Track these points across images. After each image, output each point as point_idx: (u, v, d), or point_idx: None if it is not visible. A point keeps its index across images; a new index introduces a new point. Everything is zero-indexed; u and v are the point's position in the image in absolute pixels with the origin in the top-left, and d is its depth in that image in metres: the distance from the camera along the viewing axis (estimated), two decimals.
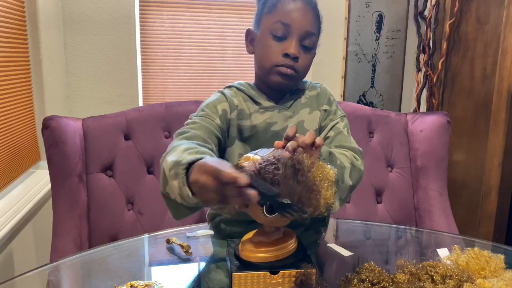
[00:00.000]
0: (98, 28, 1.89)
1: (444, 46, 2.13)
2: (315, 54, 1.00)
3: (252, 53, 1.02)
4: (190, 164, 0.69)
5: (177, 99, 2.07)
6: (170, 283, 0.74)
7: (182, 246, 0.85)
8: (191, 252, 0.84)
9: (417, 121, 1.55)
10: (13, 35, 1.44)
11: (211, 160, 0.63)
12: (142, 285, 0.70)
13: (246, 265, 0.69)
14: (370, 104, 2.28)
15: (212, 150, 0.87)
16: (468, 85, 2.02)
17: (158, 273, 0.80)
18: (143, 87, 2.05)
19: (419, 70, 2.28)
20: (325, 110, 1.03)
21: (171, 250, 0.88)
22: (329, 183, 0.67)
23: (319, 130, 1.03)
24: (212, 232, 0.97)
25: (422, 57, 2.25)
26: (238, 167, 0.62)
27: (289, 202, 0.61)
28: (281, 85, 0.96)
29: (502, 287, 0.65)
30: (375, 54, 2.24)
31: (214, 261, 0.86)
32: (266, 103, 1.00)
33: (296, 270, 0.68)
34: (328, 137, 1.00)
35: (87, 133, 1.32)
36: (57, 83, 1.80)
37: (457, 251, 0.78)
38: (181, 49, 2.06)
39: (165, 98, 2.07)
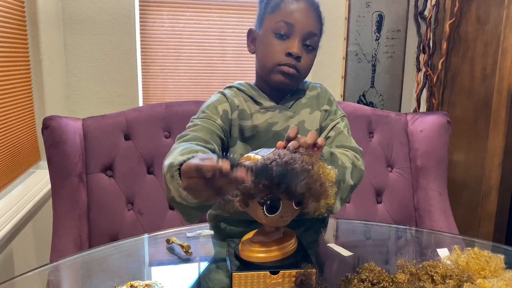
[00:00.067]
0: (98, 28, 1.89)
1: (444, 46, 2.13)
2: (316, 54, 1.00)
3: (253, 53, 1.02)
4: (182, 165, 0.70)
5: (177, 99, 2.07)
6: (170, 283, 0.74)
7: (182, 246, 0.85)
8: (191, 252, 0.84)
9: (417, 121, 1.55)
10: (13, 35, 1.44)
11: (194, 159, 0.60)
12: (142, 285, 0.70)
13: (246, 265, 0.69)
14: (370, 104, 2.28)
15: (213, 150, 0.87)
16: (468, 85, 2.02)
17: (158, 273, 0.80)
18: (143, 87, 2.05)
19: (419, 70, 2.28)
20: (326, 110, 1.03)
21: (171, 250, 0.88)
22: (330, 184, 0.67)
23: (320, 130, 1.03)
24: (212, 232, 0.97)
25: (422, 57, 2.25)
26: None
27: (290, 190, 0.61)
28: (282, 84, 0.97)
29: (502, 287, 0.65)
30: (375, 54, 2.24)
31: (214, 261, 0.86)
32: (267, 103, 1.00)
33: (296, 270, 0.68)
34: (329, 137, 1.01)
35: (87, 133, 1.32)
36: (57, 83, 1.80)
37: (457, 251, 0.78)
38: (181, 49, 2.06)
39: (165, 98, 2.07)
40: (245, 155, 0.73)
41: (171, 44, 2.04)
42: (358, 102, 2.24)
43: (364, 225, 1.13)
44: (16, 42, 1.47)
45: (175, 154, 0.77)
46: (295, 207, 0.67)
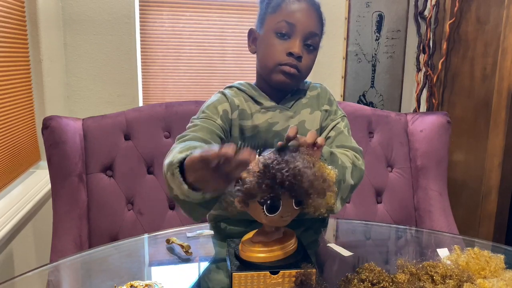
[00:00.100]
0: (98, 28, 1.89)
1: (444, 46, 2.13)
2: (317, 55, 1.00)
3: (254, 53, 1.02)
4: (182, 162, 0.71)
5: (177, 99, 2.07)
6: (170, 283, 0.74)
7: (182, 246, 0.85)
8: (191, 252, 0.84)
9: (417, 121, 1.55)
10: (13, 35, 1.44)
11: (196, 152, 0.61)
12: (142, 285, 0.70)
13: (246, 265, 0.69)
14: (370, 104, 2.28)
15: None
16: (468, 85, 2.02)
17: (158, 273, 0.80)
18: (143, 87, 2.05)
19: (419, 70, 2.28)
20: (326, 110, 1.04)
21: (171, 250, 0.88)
22: (330, 184, 0.67)
23: (320, 130, 1.03)
24: (212, 232, 0.97)
25: (422, 57, 2.25)
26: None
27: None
28: (283, 84, 0.97)
29: (502, 287, 0.65)
30: (375, 54, 2.24)
31: (214, 261, 0.86)
32: (267, 103, 1.00)
33: (296, 270, 0.68)
34: (329, 137, 1.01)
35: (87, 133, 1.32)
36: (57, 83, 1.80)
37: (457, 251, 0.78)
38: (181, 49, 2.06)
39: (165, 98, 2.07)
40: None
41: (171, 44, 2.04)
42: (358, 102, 2.24)
43: (364, 225, 1.13)
44: (16, 42, 1.47)
45: (174, 153, 0.77)
46: (295, 207, 0.67)
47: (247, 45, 1.04)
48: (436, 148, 1.51)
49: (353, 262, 0.85)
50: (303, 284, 0.66)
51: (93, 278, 0.81)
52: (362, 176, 0.96)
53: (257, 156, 0.68)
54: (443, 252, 0.85)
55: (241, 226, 0.95)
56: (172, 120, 1.39)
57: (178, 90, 2.09)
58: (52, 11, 1.74)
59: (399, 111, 2.33)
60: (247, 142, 0.62)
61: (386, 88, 2.29)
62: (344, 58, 2.20)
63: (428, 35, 2.21)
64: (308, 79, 1.07)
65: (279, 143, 0.70)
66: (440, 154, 1.51)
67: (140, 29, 1.98)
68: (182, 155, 0.72)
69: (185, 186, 0.69)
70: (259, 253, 0.70)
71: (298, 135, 0.70)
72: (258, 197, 0.65)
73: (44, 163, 1.69)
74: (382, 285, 0.66)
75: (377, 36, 2.22)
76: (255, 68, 1.05)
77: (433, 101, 2.22)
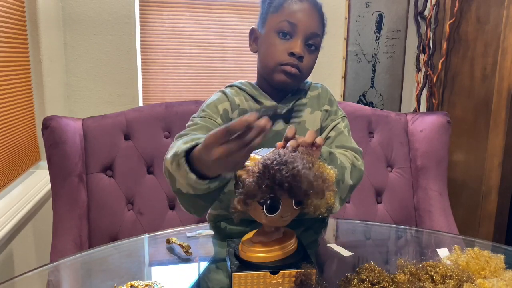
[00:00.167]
0: (98, 28, 1.89)
1: (444, 46, 2.13)
2: (318, 55, 1.00)
3: (255, 52, 1.02)
4: (188, 152, 0.72)
5: (177, 99, 2.07)
6: (170, 283, 0.74)
7: (182, 246, 0.85)
8: (191, 252, 0.84)
9: (417, 121, 1.55)
10: (13, 35, 1.44)
11: (206, 138, 0.64)
12: (142, 285, 0.70)
13: (246, 265, 0.69)
14: (370, 104, 2.28)
15: None
16: (468, 85, 2.02)
17: (158, 273, 0.80)
18: (143, 87, 2.05)
19: (419, 70, 2.28)
20: (326, 111, 1.04)
21: (171, 250, 0.88)
22: (330, 184, 0.67)
23: (320, 130, 1.03)
24: (212, 232, 0.97)
25: (422, 57, 2.25)
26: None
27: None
28: (284, 84, 0.97)
29: (502, 287, 0.65)
30: (375, 54, 2.24)
31: (214, 261, 0.86)
32: (268, 102, 1.00)
33: (296, 270, 0.67)
34: (329, 137, 1.01)
35: (87, 133, 1.32)
36: (57, 83, 1.80)
37: (457, 251, 0.78)
38: (181, 49, 2.06)
39: (165, 98, 2.07)
40: None
41: (171, 44, 2.04)
42: (358, 102, 2.24)
43: (364, 225, 1.13)
44: (16, 42, 1.47)
45: (177, 145, 0.78)
46: (295, 207, 0.67)
47: (247, 45, 1.04)
48: (436, 148, 1.51)
49: (353, 262, 0.85)
50: (303, 284, 0.66)
51: (93, 278, 0.81)
52: (361, 176, 0.96)
53: (256, 156, 0.68)
54: (443, 252, 0.85)
55: (241, 226, 0.95)
56: (172, 120, 1.39)
57: (178, 90, 2.09)
58: (52, 11, 1.74)
59: (399, 111, 2.33)
60: (263, 111, 0.64)
61: (386, 88, 2.29)
62: (344, 58, 2.20)
63: (428, 35, 2.21)
64: (308, 79, 1.07)
65: (279, 143, 0.70)
66: (440, 154, 1.51)
67: (140, 29, 1.98)
68: (188, 145, 0.73)
69: (192, 175, 0.71)
70: (259, 253, 0.70)
71: (297, 135, 0.70)
72: (257, 198, 0.65)
73: (44, 163, 1.69)
74: (382, 285, 0.66)
75: (377, 36, 2.22)
76: (256, 68, 1.05)
77: (433, 101, 2.22)
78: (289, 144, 0.68)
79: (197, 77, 2.10)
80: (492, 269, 0.71)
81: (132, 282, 0.70)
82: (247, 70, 2.13)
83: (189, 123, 0.96)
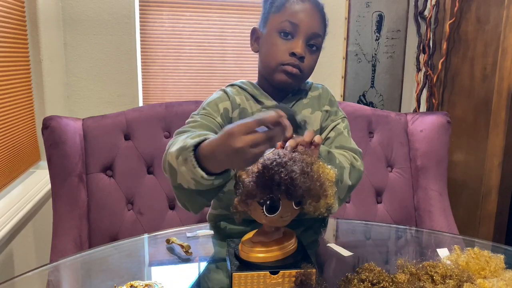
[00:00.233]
0: (98, 28, 1.89)
1: (444, 46, 2.13)
2: (319, 55, 1.00)
3: (257, 51, 1.02)
4: (196, 146, 0.72)
5: (177, 99, 2.07)
6: (170, 283, 0.74)
7: (182, 246, 0.85)
8: (191, 252, 0.84)
9: (417, 121, 1.55)
10: (13, 35, 1.44)
11: (232, 126, 0.64)
12: (142, 285, 0.70)
13: (246, 265, 0.69)
14: (370, 104, 2.28)
15: None
16: (468, 85, 2.02)
17: (158, 273, 0.80)
18: (143, 87, 2.05)
19: (419, 70, 2.28)
20: (327, 111, 1.04)
21: (171, 250, 0.88)
22: (329, 184, 0.67)
23: (320, 131, 1.03)
24: (212, 232, 0.97)
25: (422, 57, 2.25)
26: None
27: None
28: (285, 84, 0.97)
29: (502, 287, 0.65)
30: (375, 54, 2.24)
31: (214, 261, 0.86)
32: (268, 102, 1.00)
33: (296, 270, 0.68)
34: (328, 137, 1.01)
35: (87, 133, 1.32)
36: (57, 83, 1.80)
37: (457, 251, 0.78)
38: (181, 49, 2.06)
39: (165, 98, 2.07)
40: None
41: (171, 44, 2.04)
42: (358, 102, 2.24)
43: (364, 225, 1.13)
44: (16, 42, 1.47)
45: (182, 141, 0.77)
46: (295, 207, 0.67)
47: (247, 45, 1.05)
48: (436, 148, 1.51)
49: (353, 262, 0.85)
50: (303, 284, 0.66)
51: (93, 278, 0.81)
52: (360, 177, 0.96)
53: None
54: (443, 252, 0.85)
55: (241, 226, 0.95)
56: (172, 120, 1.39)
57: (178, 90, 2.09)
58: (52, 11, 1.74)
59: (399, 111, 2.33)
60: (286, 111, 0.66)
61: (386, 88, 2.29)
62: (344, 58, 2.20)
63: (428, 35, 2.21)
64: (308, 79, 1.07)
65: (278, 143, 0.70)
66: (440, 154, 1.51)
67: (140, 29, 1.98)
68: (196, 139, 0.73)
69: (199, 169, 0.71)
70: (259, 253, 0.70)
71: (294, 135, 0.70)
72: (257, 198, 0.65)
73: (44, 163, 1.69)
74: (382, 285, 0.66)
75: (377, 36, 2.22)
76: (257, 68, 1.05)
77: (433, 101, 2.22)
78: (288, 144, 0.68)
79: (197, 77, 2.10)
80: (492, 269, 0.71)
81: (132, 282, 0.70)
82: (247, 70, 2.13)
83: (189, 119, 0.96)
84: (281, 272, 0.68)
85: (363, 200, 1.49)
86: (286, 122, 0.63)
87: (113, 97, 1.95)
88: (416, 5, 2.22)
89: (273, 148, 0.69)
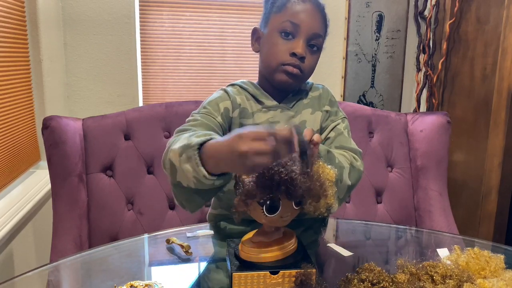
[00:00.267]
0: (98, 28, 1.89)
1: (444, 46, 2.13)
2: (320, 55, 1.00)
3: (257, 51, 1.02)
4: (201, 145, 0.72)
5: (177, 99, 2.07)
6: (170, 283, 0.74)
7: (182, 246, 0.85)
8: (191, 252, 0.84)
9: (417, 121, 1.55)
10: (13, 35, 1.44)
11: (243, 130, 0.64)
12: (142, 285, 0.70)
13: (246, 265, 0.69)
14: (370, 104, 2.28)
15: None
16: (468, 85, 2.02)
17: (158, 273, 0.80)
18: (143, 87, 2.05)
19: (419, 70, 2.28)
20: (327, 111, 1.04)
21: (171, 250, 0.88)
22: (329, 183, 0.67)
23: (320, 131, 1.03)
24: (212, 232, 0.97)
25: (422, 57, 2.25)
26: None
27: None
28: (286, 84, 0.97)
29: (502, 287, 0.65)
30: (375, 54, 2.24)
31: (214, 261, 0.86)
32: (269, 102, 1.00)
33: (296, 270, 0.68)
34: (328, 137, 1.01)
35: (87, 133, 1.32)
36: (57, 83, 1.80)
37: (457, 251, 0.78)
38: (181, 49, 2.06)
39: (165, 98, 2.07)
40: None
41: (171, 44, 2.04)
42: (358, 102, 2.24)
43: (364, 225, 1.13)
44: (16, 42, 1.47)
45: (186, 139, 0.77)
46: (295, 207, 0.67)
47: (247, 45, 1.05)
48: (436, 148, 1.51)
49: (353, 262, 0.85)
50: (303, 284, 0.66)
51: (93, 278, 0.81)
52: (360, 177, 0.96)
53: None
54: (443, 252, 0.85)
55: (241, 226, 0.95)
56: (172, 120, 1.39)
57: (178, 90, 2.09)
58: (52, 11, 1.74)
59: (399, 111, 2.33)
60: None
61: (386, 88, 2.29)
62: (344, 58, 2.20)
63: (428, 35, 2.21)
64: (309, 79, 1.07)
65: None
66: (440, 154, 1.51)
67: (140, 29, 1.98)
68: (201, 138, 0.73)
69: (202, 168, 0.71)
70: (259, 253, 0.70)
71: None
72: (257, 198, 0.65)
73: (44, 163, 1.69)
74: (382, 285, 0.66)
75: (377, 36, 2.22)
76: (257, 68, 1.05)
77: (433, 101, 2.22)
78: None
79: (197, 77, 2.10)
80: (492, 269, 0.71)
81: (132, 282, 0.70)
82: (247, 70, 2.13)
83: (189, 118, 0.95)
84: (281, 272, 0.68)
85: (363, 200, 1.49)
86: (296, 144, 0.62)
87: (113, 97, 1.95)
88: (416, 5, 2.22)
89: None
